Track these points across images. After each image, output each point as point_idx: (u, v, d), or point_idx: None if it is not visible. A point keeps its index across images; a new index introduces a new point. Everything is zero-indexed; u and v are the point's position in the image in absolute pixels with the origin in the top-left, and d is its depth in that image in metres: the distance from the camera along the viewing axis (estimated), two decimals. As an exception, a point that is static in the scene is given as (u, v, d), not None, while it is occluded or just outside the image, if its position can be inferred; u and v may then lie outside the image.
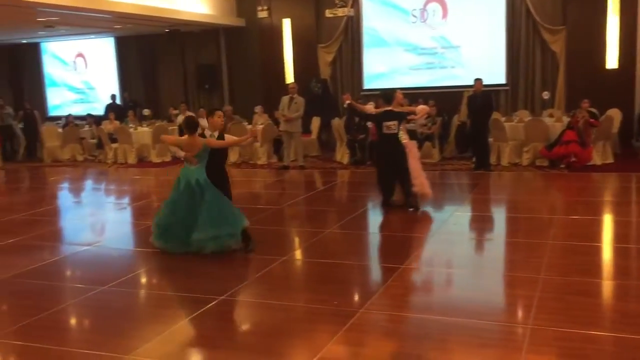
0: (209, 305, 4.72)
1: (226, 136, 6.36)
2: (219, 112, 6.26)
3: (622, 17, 12.37)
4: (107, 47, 17.87)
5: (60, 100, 18.83)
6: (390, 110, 7.65)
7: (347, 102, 8.34)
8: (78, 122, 15.39)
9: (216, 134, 6.18)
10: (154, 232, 6.11)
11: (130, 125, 13.92)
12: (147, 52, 17.25)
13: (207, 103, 16.19)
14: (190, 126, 6.04)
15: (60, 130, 14.73)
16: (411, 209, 7.57)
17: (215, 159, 6.09)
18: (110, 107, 15.60)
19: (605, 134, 10.66)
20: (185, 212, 5.91)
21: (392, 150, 7.60)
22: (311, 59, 14.98)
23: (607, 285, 5.04)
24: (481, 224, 7.48)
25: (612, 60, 12.55)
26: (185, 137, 6.06)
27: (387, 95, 7.94)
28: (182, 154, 6.10)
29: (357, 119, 11.97)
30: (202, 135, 6.12)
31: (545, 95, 12.38)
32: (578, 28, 12.74)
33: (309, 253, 6.24)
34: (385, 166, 7.78)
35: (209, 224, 5.83)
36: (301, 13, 14.95)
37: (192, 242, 5.87)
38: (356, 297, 4.90)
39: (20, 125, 15.17)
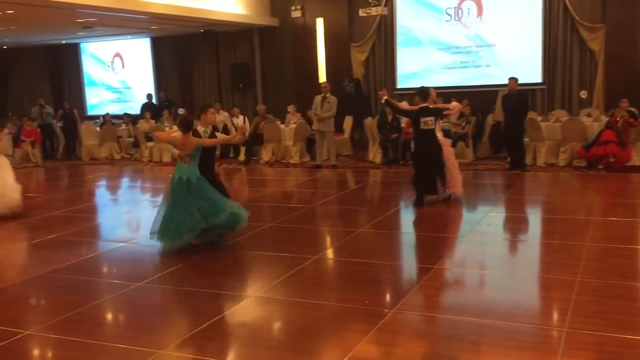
0: (242, 302, 4.77)
1: (217, 134, 6.66)
2: (212, 109, 6.52)
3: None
4: (143, 48, 18.18)
5: (99, 100, 19.22)
6: (426, 106, 7.85)
7: (384, 98, 8.39)
8: (115, 121, 15.69)
9: (208, 130, 6.42)
10: (160, 236, 6.18)
11: (166, 124, 14.13)
12: (182, 52, 17.48)
13: (241, 102, 16.33)
14: (184, 125, 6.18)
15: (98, 129, 15.05)
16: (442, 200, 7.86)
17: (206, 155, 6.29)
18: (146, 107, 15.86)
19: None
20: (182, 207, 6.04)
21: (430, 145, 7.79)
22: (344, 58, 14.98)
23: (646, 289, 4.91)
24: (515, 224, 7.37)
25: (653, 59, 12.22)
26: (179, 135, 6.18)
27: (423, 92, 8.09)
28: (175, 152, 6.28)
29: (390, 118, 11.93)
30: (212, 132, 6.44)
31: (583, 94, 12.15)
32: (618, 26, 12.45)
33: (340, 252, 6.24)
34: (422, 162, 7.91)
35: (214, 212, 6.03)
36: (334, 12, 14.95)
37: (200, 228, 6.04)
38: (388, 297, 4.88)
39: (60, 124, 15.54)
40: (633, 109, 10.53)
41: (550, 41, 13.21)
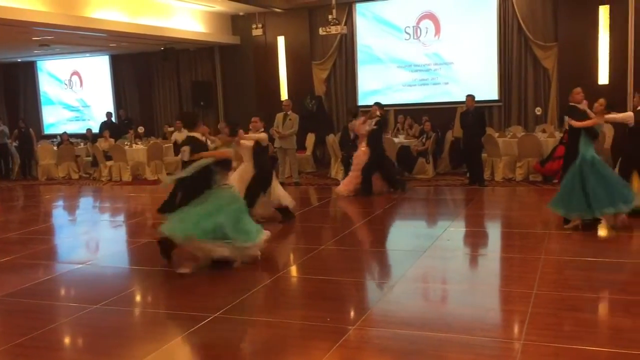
0: (202, 322, 4.71)
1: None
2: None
3: (612, 34, 12.50)
4: (102, 65, 17.97)
5: (56, 119, 18.87)
6: None
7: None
8: (73, 140, 15.41)
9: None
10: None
11: (126, 143, 13.96)
12: (142, 70, 17.34)
13: (203, 120, 16.19)
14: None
15: (55, 148, 14.75)
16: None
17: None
18: (106, 125, 15.64)
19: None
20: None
21: None
22: (305, 76, 15.08)
23: (602, 301, 5.04)
24: (475, 239, 7.49)
25: (603, 77, 12.66)
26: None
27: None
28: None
29: (352, 135, 12.01)
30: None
31: (538, 111, 12.47)
32: (569, 44, 12.87)
33: (303, 269, 6.24)
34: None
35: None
36: (295, 31, 15.07)
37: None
38: (350, 314, 4.89)
39: (15, 144, 15.17)
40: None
41: (506, 59, 13.57)
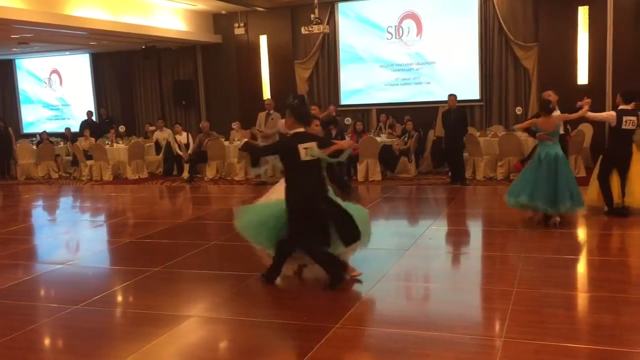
0: (184, 323, 4.68)
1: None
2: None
3: (591, 34, 12.67)
4: (82, 64, 17.78)
5: (35, 117, 18.64)
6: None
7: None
8: (53, 139, 15.23)
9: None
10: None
11: (107, 142, 13.83)
12: (123, 68, 17.20)
13: (184, 119, 16.16)
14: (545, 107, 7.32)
15: (34, 147, 14.56)
16: None
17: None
18: (86, 124, 15.48)
19: (577, 148, 10.85)
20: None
21: None
22: (288, 75, 15.07)
23: (582, 298, 5.10)
24: (457, 237, 7.54)
25: (582, 76, 12.84)
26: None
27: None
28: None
29: (334, 133, 12.03)
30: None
31: (519, 110, 12.58)
32: (549, 45, 13.02)
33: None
34: None
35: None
36: (277, 30, 15.05)
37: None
38: (332, 313, 4.89)
39: (-7, 143, 14.94)
40: (567, 126, 10.97)
41: (487, 59, 13.69)
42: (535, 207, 7.13)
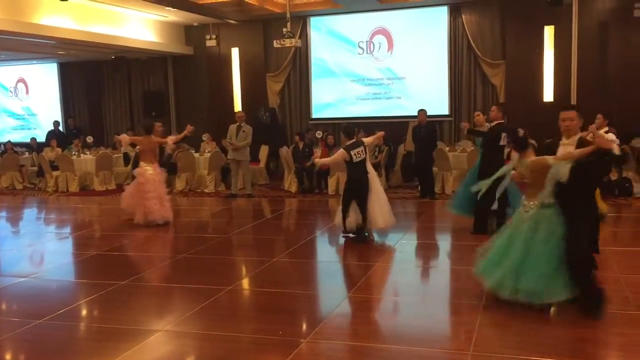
0: (151, 337, 4.61)
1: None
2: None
3: (557, 53, 12.99)
4: (50, 73, 17.52)
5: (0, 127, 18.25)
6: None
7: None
8: (18, 149, 14.92)
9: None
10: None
11: (73, 152, 13.61)
12: (92, 78, 16.99)
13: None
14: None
15: (-2, 157, 14.25)
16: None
17: None
18: (53, 134, 15.22)
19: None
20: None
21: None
22: (259, 88, 15.07)
23: (547, 311, 5.15)
24: (426, 251, 7.60)
25: (548, 94, 13.14)
26: None
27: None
28: None
29: (301, 147, 12.07)
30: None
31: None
32: (516, 62, 13.31)
33: (255, 282, 6.19)
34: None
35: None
36: (249, 42, 15.07)
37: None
38: (302, 327, 4.88)
39: (-44, 152, 14.59)
40: (532, 141, 11.16)
41: (456, 76, 13.92)
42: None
